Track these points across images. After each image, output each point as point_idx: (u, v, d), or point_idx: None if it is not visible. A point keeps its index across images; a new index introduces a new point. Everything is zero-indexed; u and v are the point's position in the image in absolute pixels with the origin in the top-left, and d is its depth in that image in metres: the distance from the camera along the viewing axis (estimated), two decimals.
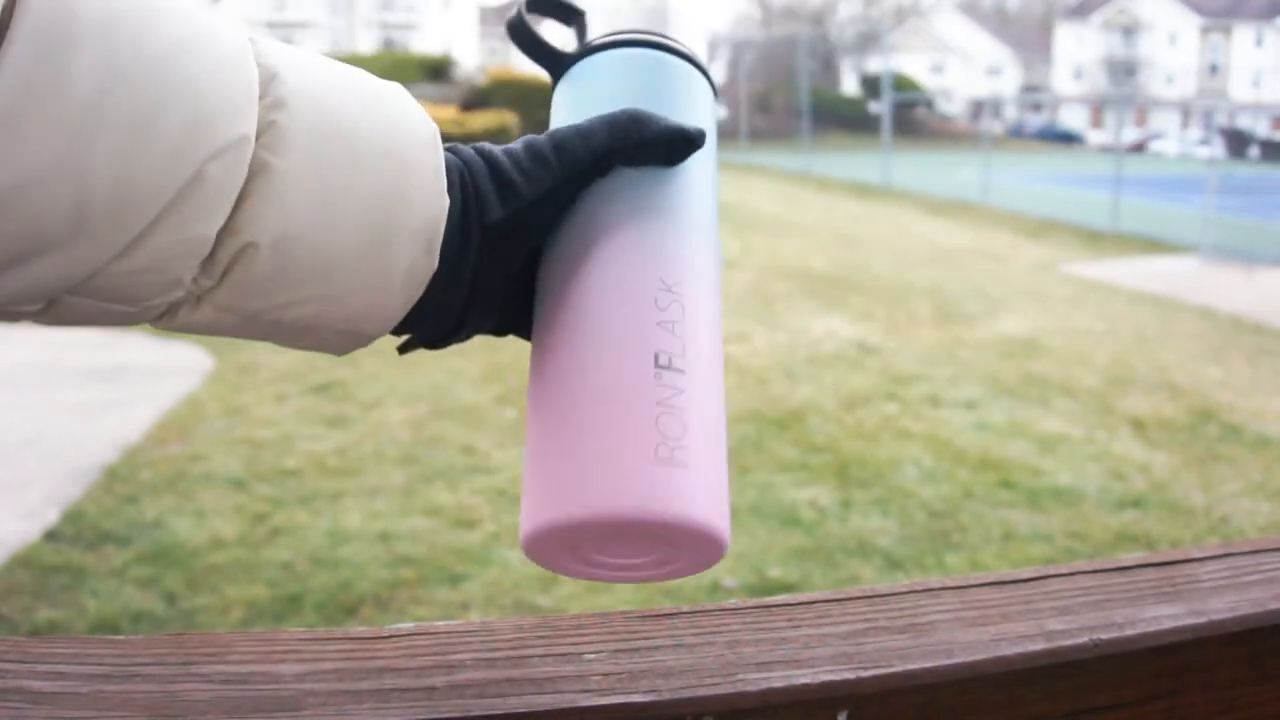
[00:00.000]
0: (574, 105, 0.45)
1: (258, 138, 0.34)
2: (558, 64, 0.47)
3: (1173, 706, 0.46)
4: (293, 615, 2.73)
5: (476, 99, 13.67)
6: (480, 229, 0.40)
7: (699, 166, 0.44)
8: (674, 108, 0.44)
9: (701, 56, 0.48)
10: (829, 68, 48.58)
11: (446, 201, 0.39)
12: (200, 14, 0.35)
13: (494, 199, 0.40)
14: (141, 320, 0.36)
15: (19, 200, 0.30)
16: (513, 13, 0.46)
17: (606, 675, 0.41)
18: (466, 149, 0.42)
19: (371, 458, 3.91)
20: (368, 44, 40.84)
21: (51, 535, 3.17)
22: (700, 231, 0.42)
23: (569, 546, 0.37)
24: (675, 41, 0.47)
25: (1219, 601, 0.48)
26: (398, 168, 0.37)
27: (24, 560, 3.00)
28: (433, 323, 0.42)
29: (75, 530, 3.21)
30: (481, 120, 11.70)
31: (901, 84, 33.88)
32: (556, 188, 0.41)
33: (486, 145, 0.42)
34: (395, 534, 3.24)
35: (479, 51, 46.52)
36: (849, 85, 47.02)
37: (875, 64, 44.53)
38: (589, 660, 0.42)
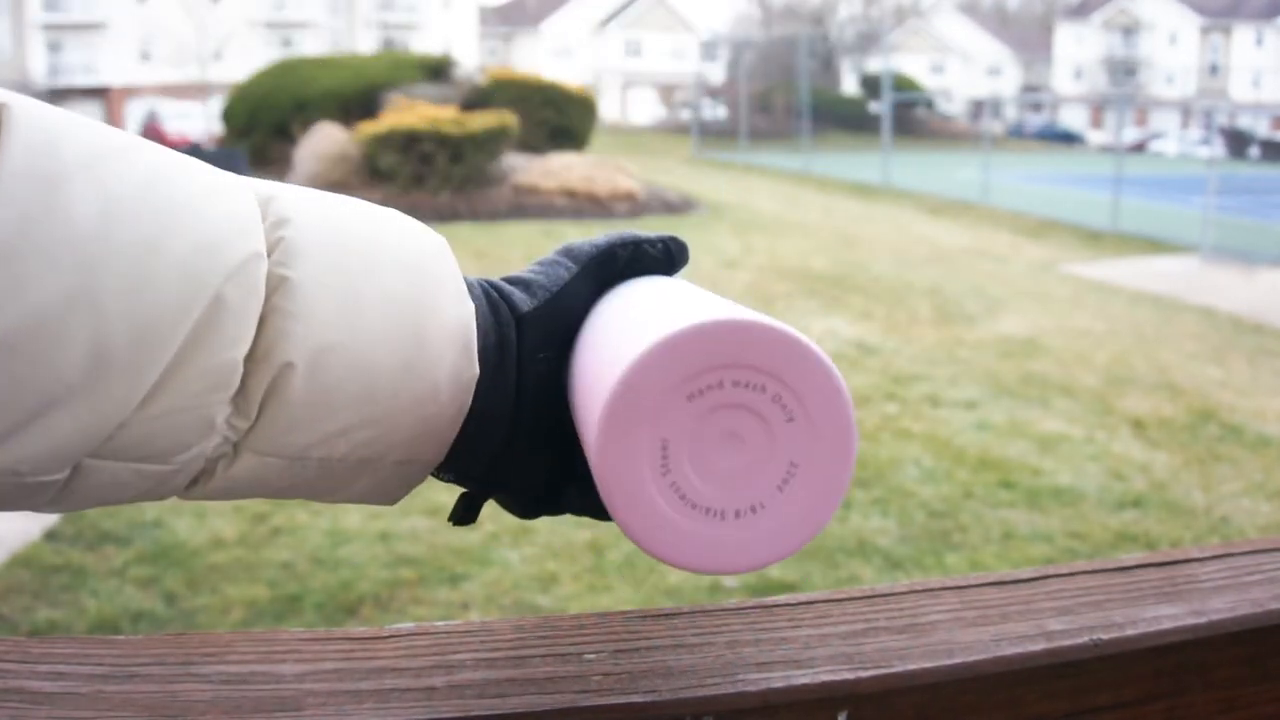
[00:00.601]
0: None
1: (269, 254, 0.33)
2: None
3: (1173, 706, 0.46)
4: (293, 615, 2.73)
5: (476, 99, 13.65)
6: (514, 322, 0.40)
7: None
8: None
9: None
10: (829, 68, 48.60)
11: (471, 305, 0.38)
12: (175, 152, 0.34)
13: (520, 295, 0.41)
14: (177, 484, 0.34)
15: (31, 344, 0.27)
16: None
17: (606, 675, 0.41)
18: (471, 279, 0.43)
19: None
20: (368, 44, 40.84)
21: (52, 535, 3.17)
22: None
23: (677, 401, 0.31)
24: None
25: (1219, 601, 0.48)
26: (416, 274, 0.37)
27: (24, 560, 3.00)
28: (481, 445, 0.40)
29: (75, 530, 3.21)
30: (481, 120, 11.68)
31: (901, 84, 33.89)
32: (574, 279, 0.42)
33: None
34: (395, 534, 3.24)
35: (479, 51, 46.53)
36: (849, 85, 47.03)
37: (875, 64, 44.56)
38: (589, 660, 0.42)
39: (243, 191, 0.34)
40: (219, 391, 0.32)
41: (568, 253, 0.43)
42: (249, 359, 0.32)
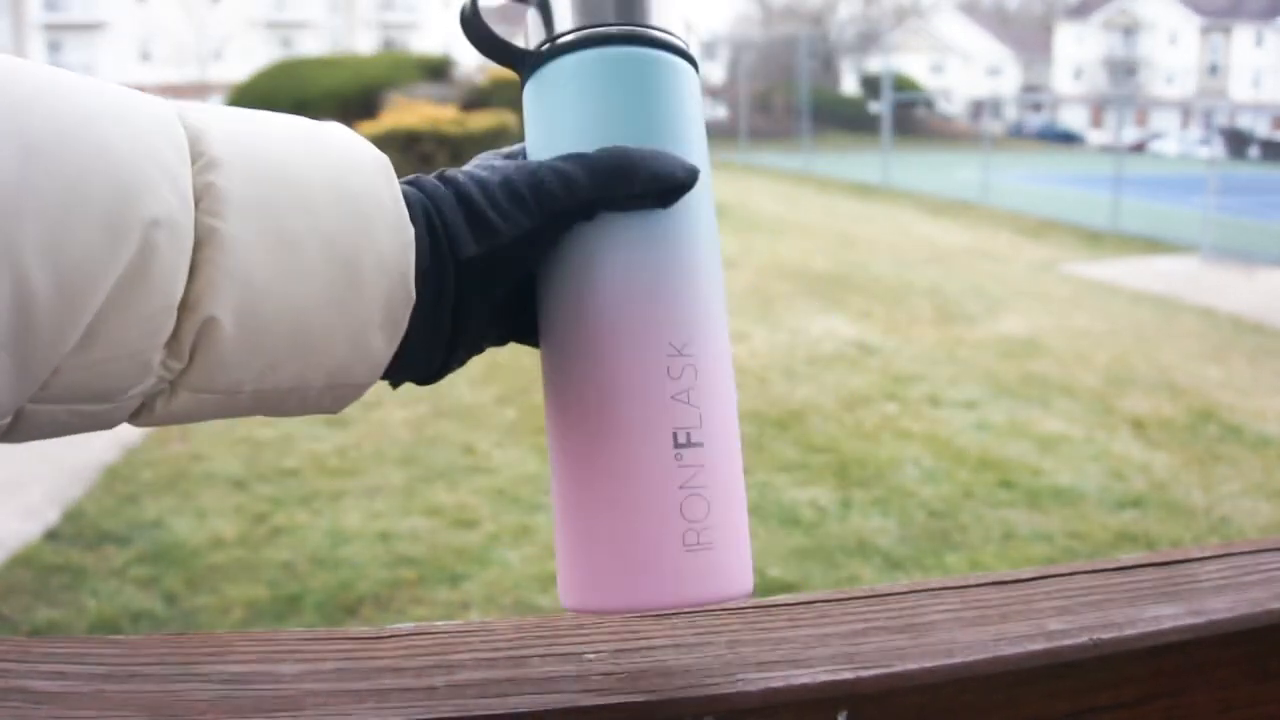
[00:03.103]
0: (549, 122, 0.41)
1: (197, 203, 0.32)
2: (522, 63, 0.42)
3: (1172, 706, 0.46)
4: (293, 615, 2.73)
5: (476, 99, 13.65)
6: (454, 263, 0.38)
7: (696, 188, 0.41)
8: (662, 124, 0.40)
9: (683, 36, 0.42)
10: (829, 68, 48.57)
11: (411, 232, 0.36)
12: (111, 85, 0.33)
13: (466, 234, 0.38)
14: (119, 419, 0.34)
15: None
16: (465, 5, 0.41)
17: (606, 675, 0.41)
18: (429, 180, 0.39)
19: (371, 458, 3.91)
20: (368, 44, 40.83)
21: (52, 535, 3.17)
22: (704, 269, 0.40)
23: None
24: (652, 29, 0.41)
25: (1219, 601, 0.48)
26: (351, 202, 0.35)
27: (25, 560, 3.00)
28: (421, 360, 0.40)
29: (76, 530, 3.21)
30: (481, 120, 11.69)
31: (901, 84, 33.87)
32: (535, 229, 0.38)
33: (452, 172, 0.40)
34: (395, 534, 3.24)
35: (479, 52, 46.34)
36: (849, 85, 47.02)
37: (875, 64, 44.54)
38: (589, 660, 0.42)
39: (170, 128, 0.33)
40: (153, 338, 0.32)
41: (537, 193, 0.38)
42: (180, 307, 0.32)
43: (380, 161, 0.37)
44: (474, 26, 0.41)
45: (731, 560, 0.38)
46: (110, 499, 3.45)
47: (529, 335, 0.43)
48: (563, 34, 0.40)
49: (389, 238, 0.36)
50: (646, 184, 0.38)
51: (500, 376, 4.88)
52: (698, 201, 0.40)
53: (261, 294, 0.33)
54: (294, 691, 0.39)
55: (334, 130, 0.38)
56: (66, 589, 2.84)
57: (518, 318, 0.42)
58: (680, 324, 0.38)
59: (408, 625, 0.44)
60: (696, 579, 0.37)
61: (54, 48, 36.65)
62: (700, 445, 0.37)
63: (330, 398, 0.38)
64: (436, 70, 14.85)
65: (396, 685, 0.40)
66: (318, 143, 0.36)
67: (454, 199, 0.38)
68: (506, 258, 0.38)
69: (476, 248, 0.38)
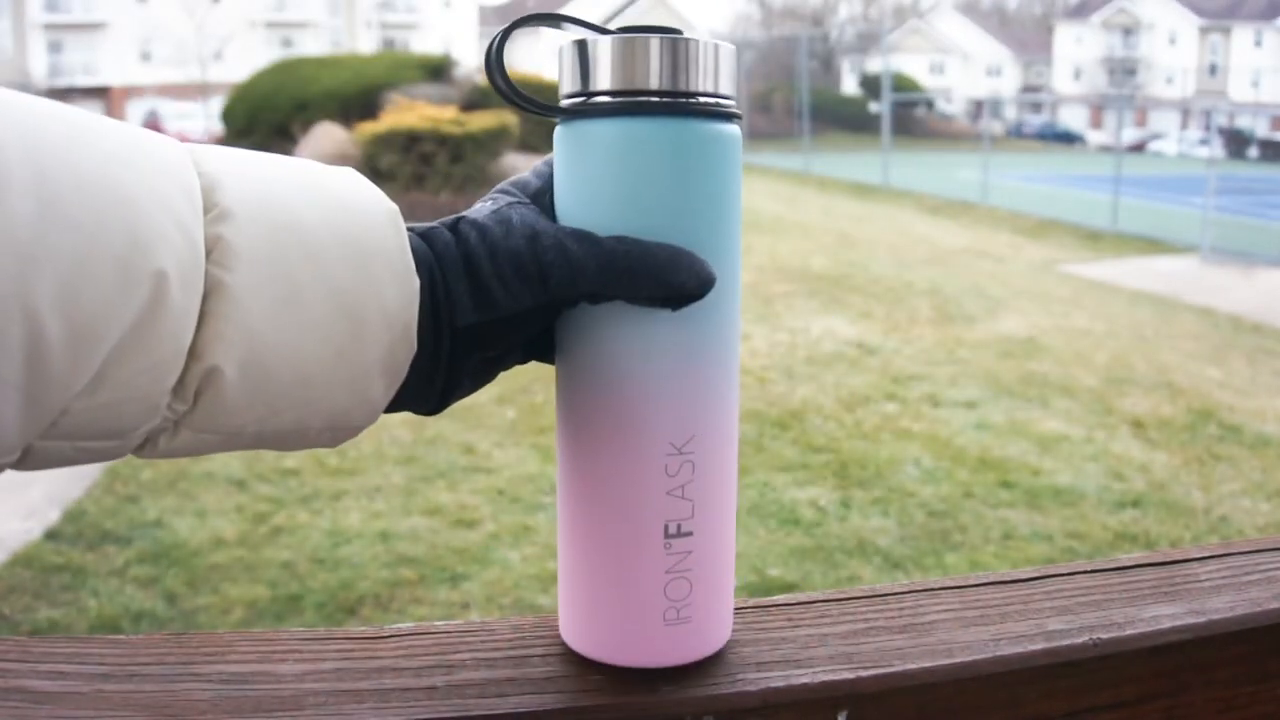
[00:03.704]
0: (583, 180, 0.39)
1: (208, 254, 0.33)
2: (553, 113, 0.40)
3: (1172, 706, 0.46)
4: (293, 615, 2.73)
5: (476, 99, 13.64)
6: (450, 331, 0.38)
7: (722, 280, 0.39)
8: (698, 206, 0.38)
9: (729, 91, 0.40)
10: (829, 68, 48.57)
11: (417, 281, 0.37)
12: (131, 130, 0.33)
13: (468, 303, 0.38)
14: (124, 453, 0.35)
15: None
16: (488, 53, 0.39)
17: (606, 675, 0.41)
18: (440, 235, 0.39)
19: (371, 458, 3.91)
20: (368, 44, 40.83)
21: (52, 535, 3.17)
22: (715, 363, 0.39)
23: None
24: (698, 96, 0.38)
25: (1218, 601, 0.48)
26: (359, 254, 0.36)
27: (25, 560, 3.00)
28: (417, 400, 0.40)
29: (76, 530, 3.21)
30: (481, 120, 11.68)
31: (901, 84, 33.86)
32: (537, 309, 0.38)
33: (466, 225, 0.39)
34: (395, 534, 3.24)
35: (479, 51, 46.46)
36: (849, 85, 47.01)
37: (875, 64, 44.51)
38: (589, 660, 0.42)
39: (184, 175, 0.33)
40: (160, 383, 0.32)
41: (545, 274, 0.37)
42: (187, 353, 0.33)
43: (389, 212, 0.38)
44: (499, 80, 0.39)
45: (709, 626, 0.42)
46: (111, 499, 3.45)
47: (546, 355, 0.43)
48: (604, 92, 0.38)
49: (394, 290, 0.36)
50: (653, 291, 0.37)
51: (500, 376, 4.87)
52: (719, 293, 0.39)
53: (266, 345, 0.34)
54: (294, 691, 0.39)
55: (345, 179, 0.38)
56: (67, 589, 2.84)
57: (536, 342, 0.43)
58: (682, 424, 0.39)
59: (408, 625, 0.44)
60: (673, 648, 0.41)
61: (54, 48, 36.65)
62: (690, 535, 0.40)
63: (329, 437, 0.38)
64: (436, 70, 14.83)
65: (396, 685, 0.40)
66: (329, 194, 0.37)
67: (461, 263, 0.38)
68: (505, 324, 0.39)
69: (475, 317, 0.38)
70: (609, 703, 0.40)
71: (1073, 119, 48.50)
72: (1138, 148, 34.43)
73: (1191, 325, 7.00)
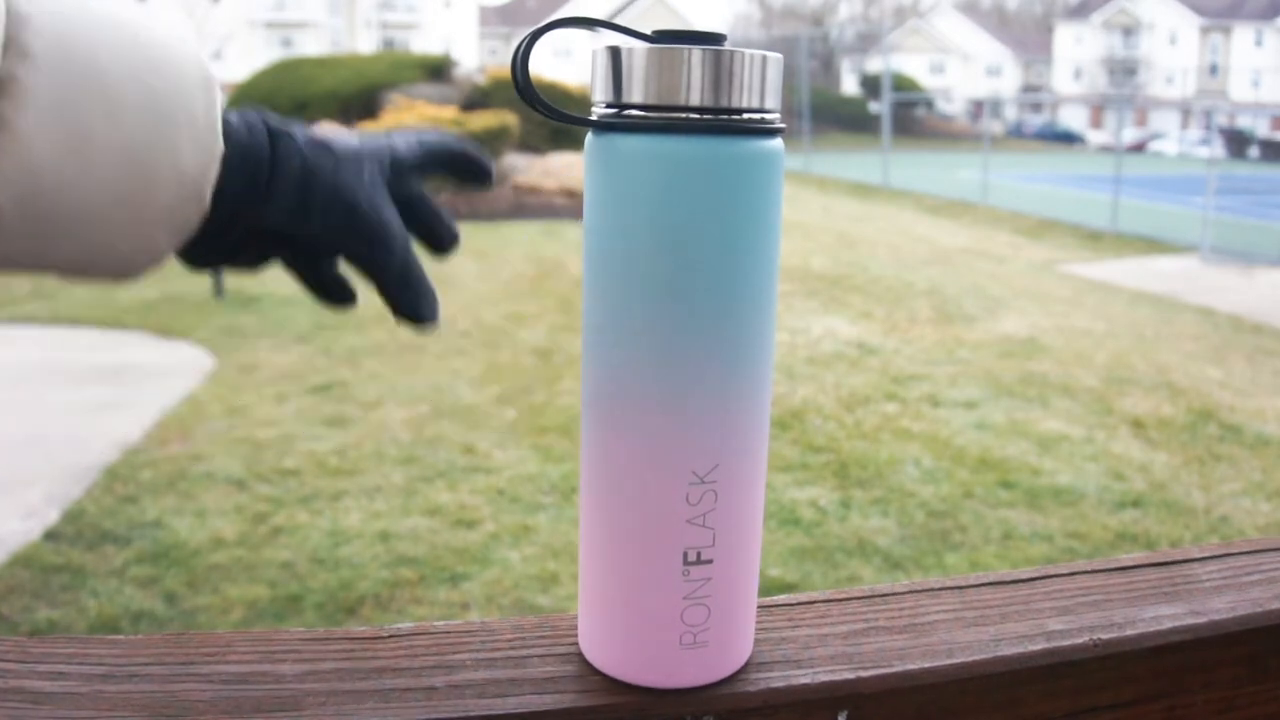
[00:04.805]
0: (618, 195, 0.37)
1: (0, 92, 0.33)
2: (586, 124, 0.38)
3: (1173, 706, 0.46)
4: (293, 615, 2.73)
5: (476, 99, 13.65)
6: (251, 218, 0.40)
7: (759, 299, 0.38)
8: (737, 227, 0.37)
9: (773, 104, 0.37)
10: (829, 68, 48.57)
11: (221, 147, 0.38)
12: None
13: (283, 216, 0.41)
14: None
15: None
16: (515, 57, 0.38)
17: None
18: (300, 140, 0.41)
19: (371, 458, 3.90)
20: (368, 44, 40.84)
21: (52, 535, 3.17)
22: (743, 394, 0.39)
23: None
24: (740, 113, 0.36)
25: (1219, 601, 0.48)
26: (158, 114, 0.36)
27: (24, 560, 3.00)
28: (202, 255, 0.42)
29: (76, 530, 3.21)
30: (481, 120, 11.69)
31: (901, 84, 33.86)
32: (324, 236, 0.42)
33: (344, 148, 0.42)
34: (395, 534, 3.24)
35: (479, 51, 46.49)
36: (849, 85, 47.01)
37: (875, 64, 44.51)
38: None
39: None
40: None
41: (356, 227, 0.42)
42: None
43: (203, 79, 0.38)
44: (528, 94, 0.38)
45: (726, 650, 0.42)
46: (110, 499, 3.45)
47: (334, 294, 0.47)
48: (639, 105, 0.37)
49: (192, 151, 0.37)
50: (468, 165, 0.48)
51: (500, 376, 4.88)
52: (753, 324, 0.38)
53: (47, 187, 0.34)
54: (294, 691, 0.39)
55: (169, 35, 0.38)
56: (66, 589, 2.84)
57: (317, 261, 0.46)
58: (707, 454, 0.39)
59: (408, 625, 0.44)
60: (689, 670, 0.41)
61: None
62: (710, 563, 0.40)
63: (111, 278, 0.39)
64: (436, 70, 14.83)
65: (396, 685, 0.40)
66: (143, 49, 0.36)
67: (300, 174, 0.40)
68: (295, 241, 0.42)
69: (285, 226, 0.41)
70: (609, 703, 0.39)
71: (1073, 119, 48.49)
72: (1138, 148, 34.42)
73: (1191, 325, 6.99)
